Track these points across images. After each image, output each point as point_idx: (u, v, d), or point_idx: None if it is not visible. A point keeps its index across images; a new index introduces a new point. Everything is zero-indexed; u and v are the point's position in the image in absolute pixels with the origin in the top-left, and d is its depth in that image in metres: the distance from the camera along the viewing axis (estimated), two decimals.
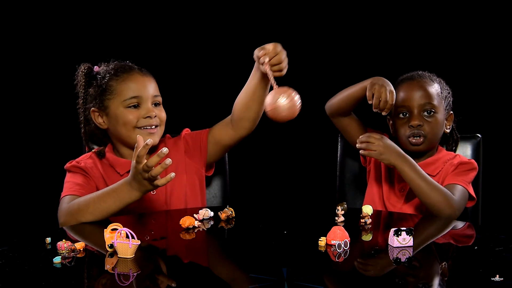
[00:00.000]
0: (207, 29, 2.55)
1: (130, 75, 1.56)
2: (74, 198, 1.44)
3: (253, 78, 1.53)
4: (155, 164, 1.28)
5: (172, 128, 1.73)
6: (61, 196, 1.49)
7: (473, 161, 1.66)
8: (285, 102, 1.27)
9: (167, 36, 2.53)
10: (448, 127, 1.70)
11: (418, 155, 1.66)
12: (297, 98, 1.29)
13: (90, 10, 2.48)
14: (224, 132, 1.62)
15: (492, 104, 2.40)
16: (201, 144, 1.64)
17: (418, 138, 1.63)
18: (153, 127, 1.55)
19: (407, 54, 2.43)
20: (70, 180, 1.52)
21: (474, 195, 1.61)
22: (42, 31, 2.46)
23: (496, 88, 2.39)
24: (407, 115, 1.65)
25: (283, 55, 1.42)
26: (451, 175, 1.62)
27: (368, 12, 2.49)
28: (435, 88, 1.66)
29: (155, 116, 1.55)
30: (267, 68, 1.39)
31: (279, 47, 1.42)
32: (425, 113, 1.63)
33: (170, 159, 1.27)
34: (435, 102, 1.63)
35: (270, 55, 1.40)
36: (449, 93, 1.71)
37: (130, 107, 1.53)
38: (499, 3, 2.35)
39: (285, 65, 1.43)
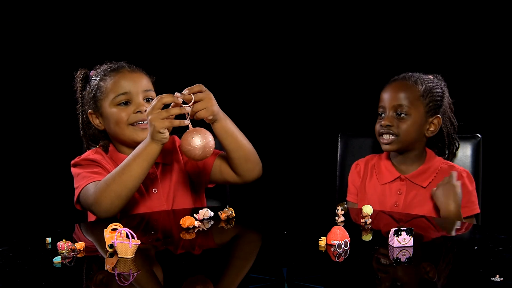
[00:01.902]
0: (211, 30, 2.55)
1: (118, 73, 1.56)
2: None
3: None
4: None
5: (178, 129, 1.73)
6: (80, 187, 1.45)
7: (472, 179, 1.65)
8: (199, 143, 1.31)
9: (169, 37, 2.54)
10: (431, 130, 1.68)
11: (406, 162, 1.69)
12: (210, 138, 1.32)
13: (92, 11, 2.48)
14: (230, 172, 1.56)
15: (492, 104, 2.40)
16: (205, 166, 1.60)
17: (387, 137, 1.66)
18: (146, 122, 1.52)
19: (406, 54, 2.43)
20: (84, 171, 1.50)
21: (478, 209, 1.65)
22: (45, 31, 2.46)
23: (496, 88, 2.40)
24: (383, 115, 1.69)
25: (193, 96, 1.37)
26: (464, 207, 1.60)
27: (369, 11, 2.49)
28: (415, 91, 1.65)
29: (146, 111, 1.53)
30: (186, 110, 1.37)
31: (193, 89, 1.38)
32: (396, 115, 1.65)
33: (189, 109, 1.34)
34: (409, 105, 1.64)
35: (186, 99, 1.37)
36: (441, 97, 1.69)
37: (120, 104, 1.53)
38: (499, 3, 2.35)
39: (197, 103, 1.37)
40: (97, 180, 1.44)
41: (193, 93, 1.36)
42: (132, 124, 1.53)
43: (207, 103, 1.37)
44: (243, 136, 1.50)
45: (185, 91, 1.35)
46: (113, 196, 1.37)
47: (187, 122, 1.34)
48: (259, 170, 1.56)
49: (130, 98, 1.53)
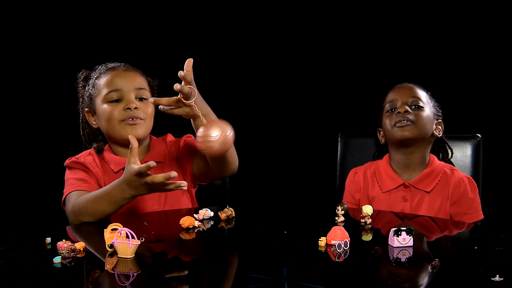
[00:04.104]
0: (211, 30, 2.55)
1: (113, 71, 1.58)
2: (80, 194, 1.46)
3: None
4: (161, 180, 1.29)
5: (178, 128, 1.73)
6: (65, 193, 1.50)
7: (475, 186, 1.65)
8: (217, 136, 1.22)
9: (169, 37, 2.54)
10: (439, 132, 1.73)
11: (413, 166, 1.68)
12: (229, 132, 1.24)
13: (94, 12, 2.48)
14: (207, 169, 1.56)
15: (492, 104, 2.40)
16: (187, 164, 1.62)
17: (404, 122, 1.65)
18: (134, 118, 1.53)
19: (407, 54, 2.43)
20: (72, 177, 1.53)
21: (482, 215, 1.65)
22: (44, 32, 2.46)
23: (495, 88, 2.39)
24: (393, 109, 1.69)
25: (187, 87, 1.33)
26: (467, 214, 1.62)
27: (370, 12, 2.49)
28: (423, 91, 1.72)
29: (136, 108, 1.53)
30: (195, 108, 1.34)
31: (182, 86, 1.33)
32: (412, 107, 1.67)
33: (175, 173, 1.28)
34: (423, 100, 1.69)
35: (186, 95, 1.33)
36: (438, 106, 1.76)
37: (112, 102, 1.54)
38: (499, 3, 2.35)
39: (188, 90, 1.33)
40: (81, 189, 1.48)
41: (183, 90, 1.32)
42: (122, 121, 1.53)
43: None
44: None
45: (177, 87, 1.30)
46: (83, 220, 1.40)
47: (174, 175, 1.28)
48: (233, 170, 1.54)
49: (122, 95, 1.54)
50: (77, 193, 1.47)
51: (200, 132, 1.23)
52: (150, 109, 1.57)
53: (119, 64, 1.62)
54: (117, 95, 1.54)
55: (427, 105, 1.70)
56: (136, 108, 1.53)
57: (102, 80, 1.56)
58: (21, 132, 2.49)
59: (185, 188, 1.31)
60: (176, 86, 1.30)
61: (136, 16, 2.52)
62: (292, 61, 2.59)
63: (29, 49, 2.46)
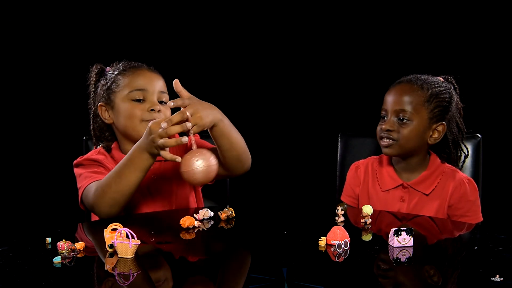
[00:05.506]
0: (212, 30, 2.55)
1: (137, 69, 1.58)
2: None
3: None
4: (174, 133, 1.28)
5: None
6: (83, 187, 1.47)
7: (475, 188, 1.63)
8: (200, 165, 1.23)
9: (170, 37, 2.54)
10: (434, 137, 1.62)
11: (410, 168, 1.66)
12: (213, 161, 1.25)
13: (97, 11, 2.48)
14: (221, 169, 1.51)
15: (492, 104, 2.40)
16: None
17: (386, 141, 1.63)
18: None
19: (406, 54, 2.43)
20: (85, 171, 1.51)
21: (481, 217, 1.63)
22: (46, 31, 2.46)
23: (496, 88, 2.40)
24: (385, 118, 1.65)
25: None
26: (464, 216, 1.60)
27: (370, 10, 2.49)
28: (420, 95, 1.60)
29: (159, 111, 1.53)
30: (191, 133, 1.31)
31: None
32: (397, 119, 1.61)
33: (186, 138, 1.27)
34: (411, 110, 1.59)
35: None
36: (448, 103, 1.62)
37: (134, 100, 1.53)
38: (499, 3, 2.35)
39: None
40: (99, 179, 1.45)
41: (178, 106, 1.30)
42: (144, 121, 1.52)
43: (196, 119, 1.31)
44: (238, 134, 1.46)
45: (170, 103, 1.30)
46: (110, 202, 1.38)
47: (185, 140, 1.27)
48: (248, 166, 1.53)
49: (145, 95, 1.54)
50: (96, 183, 1.44)
51: (184, 159, 1.24)
52: (169, 113, 1.57)
53: (141, 64, 1.61)
54: (141, 94, 1.53)
55: (419, 111, 1.59)
56: (159, 111, 1.53)
57: (126, 77, 1.55)
58: (22, 132, 2.50)
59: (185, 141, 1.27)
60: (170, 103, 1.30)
61: (136, 16, 2.52)
62: (292, 61, 2.59)
63: (32, 50, 2.46)
